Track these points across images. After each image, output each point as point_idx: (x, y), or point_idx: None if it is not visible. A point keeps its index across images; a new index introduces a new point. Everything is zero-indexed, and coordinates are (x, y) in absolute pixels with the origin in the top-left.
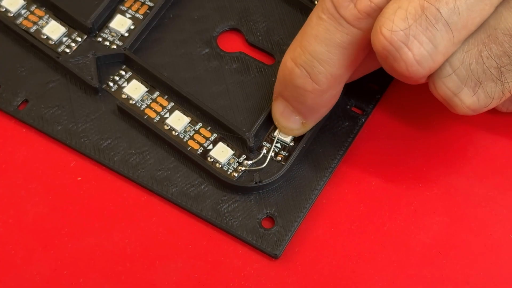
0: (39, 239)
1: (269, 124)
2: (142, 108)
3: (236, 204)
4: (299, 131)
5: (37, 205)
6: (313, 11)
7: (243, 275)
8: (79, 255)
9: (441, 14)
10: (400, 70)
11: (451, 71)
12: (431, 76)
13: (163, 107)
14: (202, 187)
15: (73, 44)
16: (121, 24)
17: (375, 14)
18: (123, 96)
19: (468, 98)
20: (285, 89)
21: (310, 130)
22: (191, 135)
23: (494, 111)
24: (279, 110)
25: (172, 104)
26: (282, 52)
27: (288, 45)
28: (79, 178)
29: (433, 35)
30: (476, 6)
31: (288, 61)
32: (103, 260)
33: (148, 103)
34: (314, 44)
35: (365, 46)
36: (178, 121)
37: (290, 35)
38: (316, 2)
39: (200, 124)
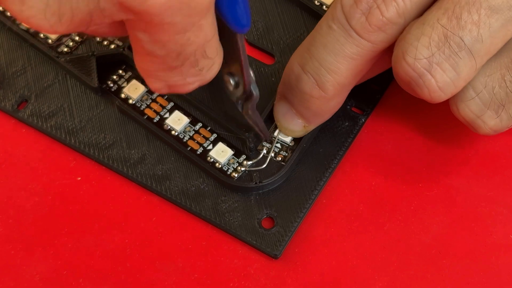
0: (39, 239)
1: (269, 124)
2: (141, 108)
3: (236, 204)
4: (300, 133)
5: (37, 205)
6: (323, 19)
7: (243, 275)
8: (79, 255)
9: (464, 42)
10: (422, 95)
11: (474, 95)
12: (453, 99)
13: (163, 107)
14: (202, 187)
15: (72, 44)
16: None
17: (386, 28)
18: (123, 96)
19: (491, 120)
20: (290, 92)
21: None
22: (191, 135)
23: None
24: (281, 112)
25: (171, 104)
26: (282, 52)
27: (287, 44)
28: (79, 178)
29: (456, 63)
30: (499, 33)
31: (295, 65)
32: (103, 260)
33: (148, 103)
34: (322, 52)
35: (373, 57)
36: (178, 121)
37: (289, 34)
38: (316, 2)
39: (200, 124)
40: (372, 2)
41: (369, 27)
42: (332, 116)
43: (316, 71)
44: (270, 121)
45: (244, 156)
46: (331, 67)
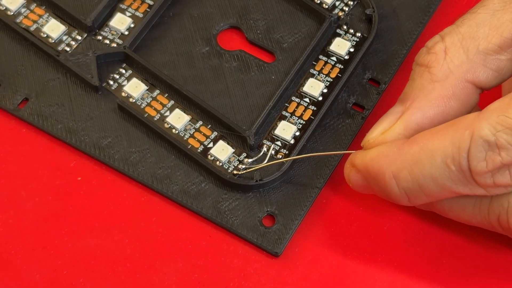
0: (39, 239)
1: (270, 122)
2: (142, 107)
3: (237, 202)
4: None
5: (37, 205)
6: (435, 148)
7: (243, 274)
8: (79, 255)
9: None
10: None
11: None
12: None
13: (163, 106)
14: (202, 185)
15: (73, 43)
16: (121, 22)
17: (510, 188)
18: (123, 94)
19: None
20: (371, 184)
21: (310, 128)
22: (192, 133)
23: None
24: (354, 182)
25: (172, 102)
26: (282, 50)
27: (288, 43)
28: (79, 178)
29: None
30: None
31: (387, 174)
32: (103, 260)
33: (148, 101)
34: (429, 182)
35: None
36: (178, 119)
37: (290, 33)
38: (316, 0)
39: (200, 122)
40: (505, 168)
41: (493, 184)
42: (333, 114)
43: (413, 192)
44: (271, 120)
45: (244, 154)
46: (432, 194)
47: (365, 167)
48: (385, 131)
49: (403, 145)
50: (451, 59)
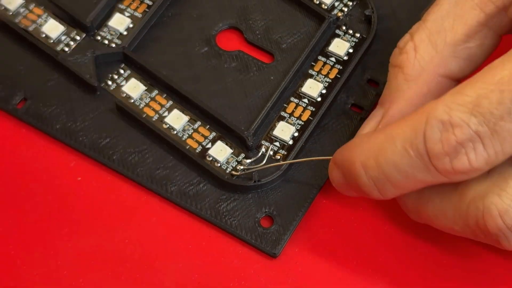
0: (39, 239)
1: (268, 122)
2: (140, 107)
3: (235, 203)
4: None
5: (37, 205)
6: (397, 134)
7: (243, 275)
8: (79, 255)
9: None
10: (509, 248)
11: None
12: None
13: (162, 106)
14: (201, 186)
15: (71, 43)
16: (120, 22)
17: (470, 174)
18: (122, 94)
19: None
20: (346, 176)
21: (308, 129)
22: (190, 133)
23: None
24: (336, 180)
25: (171, 102)
26: (281, 51)
27: (287, 43)
28: (79, 178)
29: None
30: None
31: (357, 164)
32: (103, 260)
33: (147, 102)
34: (392, 169)
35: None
36: (177, 119)
37: (289, 33)
38: (315, 1)
39: (199, 123)
40: (461, 147)
41: (452, 170)
42: (331, 115)
43: (381, 182)
44: (269, 121)
45: (243, 155)
46: (398, 183)
47: (341, 160)
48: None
49: (372, 134)
50: (421, 56)
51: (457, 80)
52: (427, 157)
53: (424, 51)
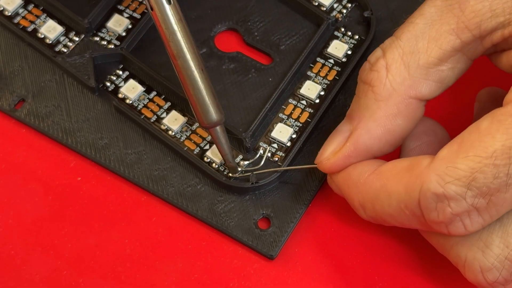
0: (39, 239)
1: (266, 124)
2: (139, 108)
3: (233, 205)
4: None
5: (37, 205)
6: (392, 190)
7: (242, 275)
8: (79, 255)
9: None
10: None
11: None
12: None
13: (160, 107)
14: (198, 187)
15: (70, 44)
16: (118, 23)
17: (467, 234)
18: (120, 95)
19: None
20: (343, 186)
21: (306, 130)
22: (188, 135)
23: None
24: (335, 190)
25: (169, 104)
26: (279, 52)
27: (285, 45)
28: (79, 178)
29: None
30: None
31: (355, 201)
32: (103, 260)
33: (145, 103)
34: (389, 218)
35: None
36: (175, 121)
37: (287, 35)
38: (314, 3)
39: (196, 124)
40: (456, 217)
41: (447, 232)
42: (330, 117)
43: (379, 222)
44: (267, 122)
45: (240, 157)
46: (395, 225)
47: (337, 187)
48: (336, 151)
49: (369, 177)
50: (393, 77)
51: (426, 100)
52: (423, 219)
53: (396, 72)
